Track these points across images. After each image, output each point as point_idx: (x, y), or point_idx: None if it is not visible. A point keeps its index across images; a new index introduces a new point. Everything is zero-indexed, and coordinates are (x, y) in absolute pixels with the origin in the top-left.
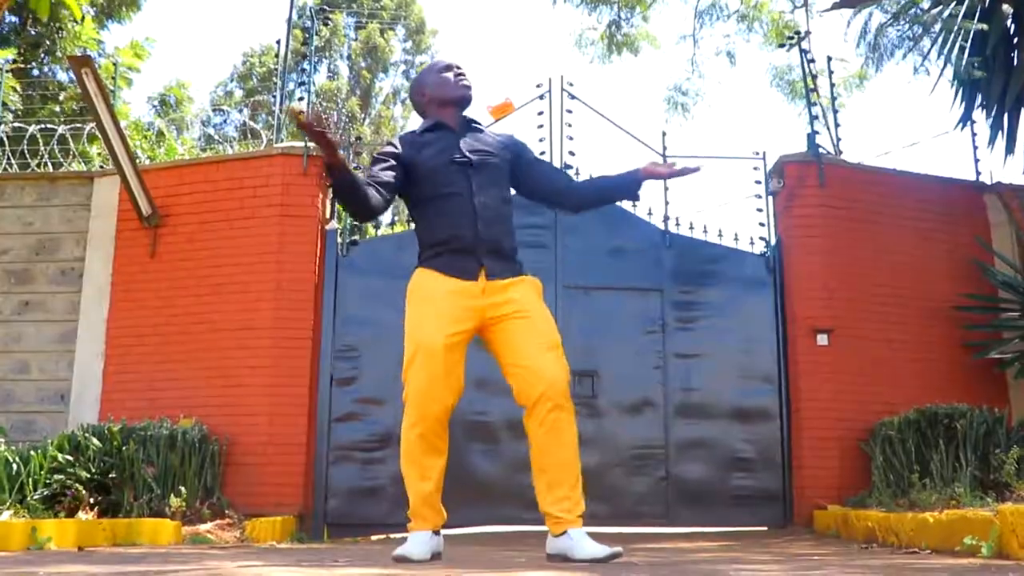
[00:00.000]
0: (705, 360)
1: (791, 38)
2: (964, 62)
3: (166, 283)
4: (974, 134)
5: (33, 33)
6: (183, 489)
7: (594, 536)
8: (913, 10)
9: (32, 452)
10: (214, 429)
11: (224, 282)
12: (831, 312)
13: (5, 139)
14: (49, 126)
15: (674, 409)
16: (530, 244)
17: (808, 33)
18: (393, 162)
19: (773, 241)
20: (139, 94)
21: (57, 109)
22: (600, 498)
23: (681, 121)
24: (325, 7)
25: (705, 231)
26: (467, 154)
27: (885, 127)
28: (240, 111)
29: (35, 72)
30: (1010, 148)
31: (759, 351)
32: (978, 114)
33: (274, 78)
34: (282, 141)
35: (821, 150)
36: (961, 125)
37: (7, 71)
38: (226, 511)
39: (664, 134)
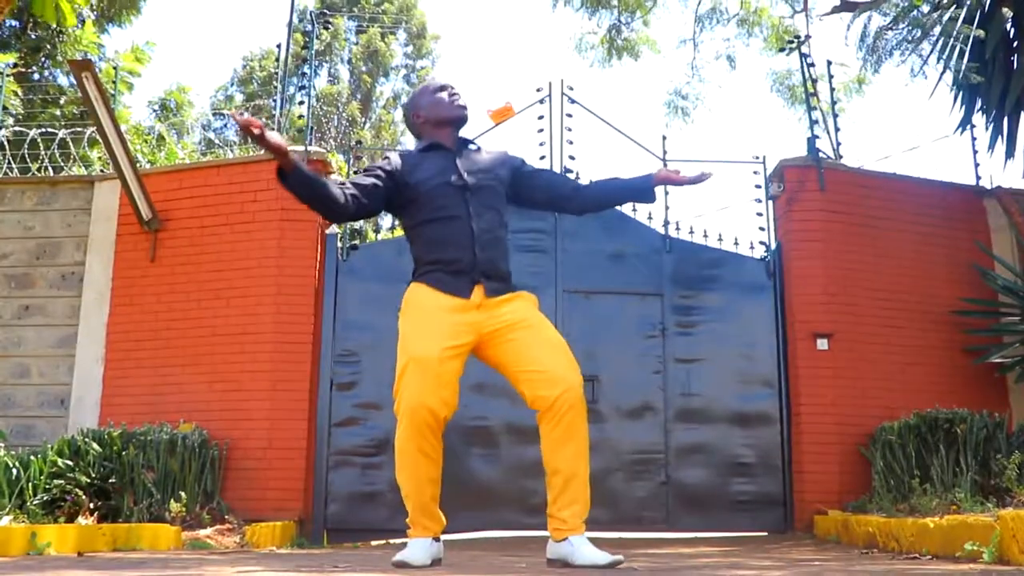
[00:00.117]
0: (705, 364)
1: (791, 42)
2: (964, 66)
3: (166, 287)
4: (974, 138)
5: (34, 37)
6: (183, 494)
7: (594, 541)
8: (913, 13)
9: (32, 457)
10: (214, 434)
11: (224, 286)
12: (831, 316)
13: (6, 143)
14: (50, 130)
15: (674, 413)
16: (530, 249)
17: (808, 37)
18: (381, 173)
19: (773, 245)
20: (140, 98)
21: (58, 113)
22: (601, 503)
23: (681, 125)
24: (326, 11)
25: (705, 235)
26: (464, 176)
27: (885, 131)
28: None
29: (36, 76)
30: (1010, 152)
31: (759, 355)
32: (978, 118)
33: (274, 82)
34: None
35: (821, 154)
36: (961, 129)
37: (8, 75)
38: (226, 516)
39: (664, 138)
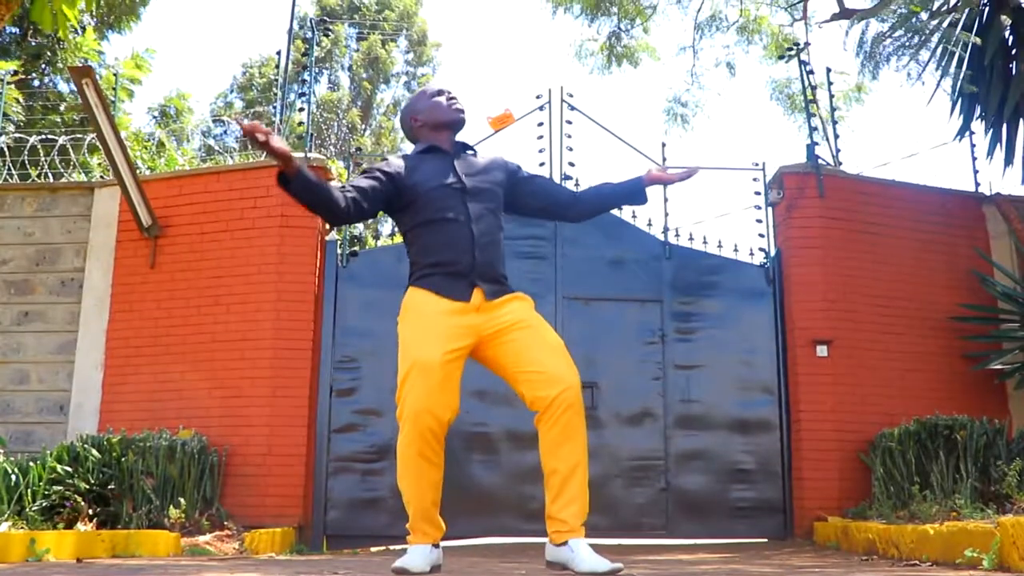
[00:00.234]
0: (705, 371)
1: (790, 49)
2: (962, 74)
3: (166, 294)
4: (973, 145)
5: (34, 44)
6: (182, 500)
7: (593, 548)
8: (912, 20)
9: (31, 463)
10: (213, 440)
11: (224, 293)
12: (831, 323)
13: (6, 150)
14: (50, 137)
15: (674, 420)
16: (530, 255)
17: (807, 44)
18: (380, 176)
19: (772, 252)
20: (139, 105)
21: (58, 120)
22: (600, 509)
23: (681, 132)
24: (326, 18)
25: (705, 242)
26: (463, 179)
27: (884, 138)
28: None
29: (36, 83)
30: (1009, 159)
31: (759, 362)
32: (977, 125)
33: (275, 89)
34: None
35: (820, 161)
36: (960, 136)
37: (9, 82)
38: (225, 522)
39: (664, 145)
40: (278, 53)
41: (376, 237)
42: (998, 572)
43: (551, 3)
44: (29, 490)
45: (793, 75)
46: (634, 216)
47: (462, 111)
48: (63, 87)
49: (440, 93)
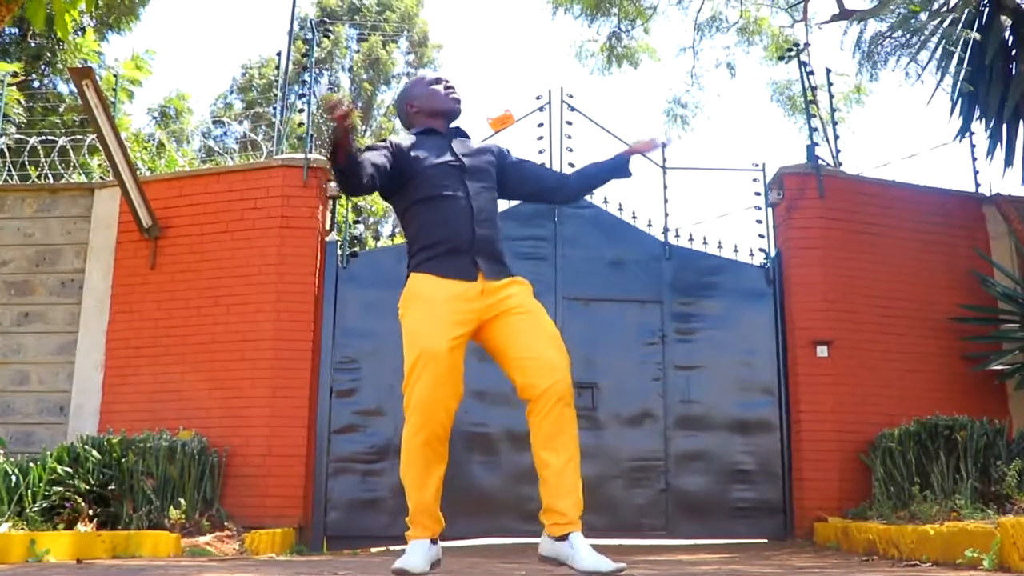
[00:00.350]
0: (705, 372)
1: (790, 50)
2: (962, 73)
3: (166, 295)
4: (973, 145)
5: (34, 45)
6: (182, 501)
7: (594, 548)
8: (912, 20)
9: (31, 464)
10: (213, 441)
11: (224, 294)
12: (831, 323)
13: (6, 151)
14: (50, 138)
15: (674, 421)
16: (530, 256)
17: (807, 46)
18: (387, 151)
19: (773, 252)
20: (139, 106)
21: (58, 121)
22: (600, 510)
23: (680, 133)
24: (326, 19)
25: (705, 242)
26: (461, 158)
27: (884, 139)
28: (240, 123)
29: (36, 84)
30: (1009, 159)
31: (759, 363)
32: (977, 125)
33: (274, 90)
34: (282, 153)
35: (820, 162)
36: (960, 136)
37: (9, 84)
38: (225, 523)
39: (664, 145)
40: (278, 54)
41: (376, 238)
42: (998, 572)
43: (551, 4)
44: (29, 491)
45: (793, 76)
46: (634, 217)
47: (459, 100)
48: (63, 88)
49: (438, 81)
